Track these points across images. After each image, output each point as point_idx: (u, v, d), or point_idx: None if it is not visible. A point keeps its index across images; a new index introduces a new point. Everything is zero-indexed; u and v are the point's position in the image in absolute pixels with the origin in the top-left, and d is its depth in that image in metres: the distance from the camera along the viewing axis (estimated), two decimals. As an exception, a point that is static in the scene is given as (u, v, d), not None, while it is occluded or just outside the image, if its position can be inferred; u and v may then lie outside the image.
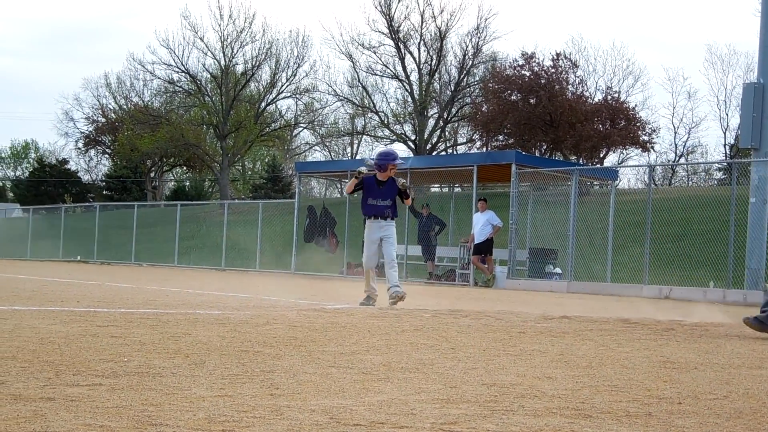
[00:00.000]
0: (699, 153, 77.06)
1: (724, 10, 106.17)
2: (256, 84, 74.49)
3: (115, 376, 5.28)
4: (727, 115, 72.05)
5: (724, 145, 72.99)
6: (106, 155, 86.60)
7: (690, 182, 75.40)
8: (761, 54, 25.10)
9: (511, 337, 9.07)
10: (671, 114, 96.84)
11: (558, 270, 29.42)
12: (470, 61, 68.90)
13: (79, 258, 47.47)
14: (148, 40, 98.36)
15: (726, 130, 72.18)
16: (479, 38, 68.24)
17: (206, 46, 71.22)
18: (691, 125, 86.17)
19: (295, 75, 72.32)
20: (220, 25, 72.22)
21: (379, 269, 15.43)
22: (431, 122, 71.54)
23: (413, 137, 70.23)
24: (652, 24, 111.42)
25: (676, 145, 75.03)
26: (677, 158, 74.21)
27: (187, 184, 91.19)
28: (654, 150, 66.21)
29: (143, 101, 76.46)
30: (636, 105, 63.81)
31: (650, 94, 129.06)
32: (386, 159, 14.78)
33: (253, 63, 71.58)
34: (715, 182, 69.06)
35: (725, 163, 60.18)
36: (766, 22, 25.01)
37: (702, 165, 76.50)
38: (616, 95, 60.69)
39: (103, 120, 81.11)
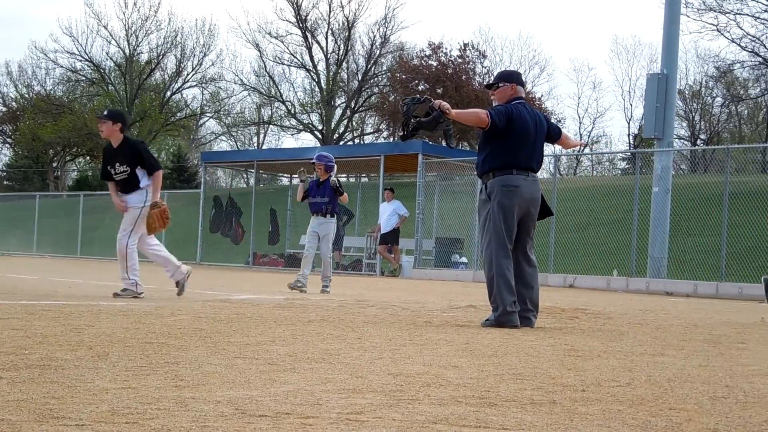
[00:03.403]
0: (603, 143, 78.06)
1: (629, 1, 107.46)
2: (162, 73, 73.99)
3: (15, 369, 5.20)
4: (631, 105, 73.11)
5: (628, 135, 74.02)
6: (7, 145, 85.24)
7: (594, 172, 76.30)
8: (665, 45, 25.48)
9: (417, 327, 9.10)
10: (576, 104, 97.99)
11: (464, 259, 29.60)
12: (378, 51, 69.04)
13: (-20, 249, 46.74)
14: (50, 28, 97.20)
15: (630, 120, 73.24)
16: (387, 28, 68.42)
17: (110, 34, 70.64)
18: (596, 115, 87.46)
19: (201, 64, 72.02)
20: (124, 13, 71.62)
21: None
22: (338, 112, 71.52)
23: (320, 127, 70.16)
24: (558, 14, 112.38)
25: (581, 134, 75.84)
26: (582, 148, 74.97)
27: (90, 174, 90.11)
28: (557, 140, 66.67)
29: (45, 90, 75.44)
30: (542, 95, 64.54)
31: (556, 84, 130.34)
32: (318, 160, 17.05)
33: (159, 52, 71.11)
34: (619, 172, 69.97)
35: (629, 153, 60.99)
36: (669, 13, 25.40)
37: (606, 155, 77.46)
38: (522, 86, 61.07)
39: (4, 109, 79.85)
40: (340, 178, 17.45)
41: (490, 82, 10.21)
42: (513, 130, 9.57)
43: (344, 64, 70.17)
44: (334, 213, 16.83)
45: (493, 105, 10.00)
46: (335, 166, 17.01)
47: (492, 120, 9.45)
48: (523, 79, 10.31)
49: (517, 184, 9.62)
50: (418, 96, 9.81)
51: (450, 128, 9.59)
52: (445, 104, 9.40)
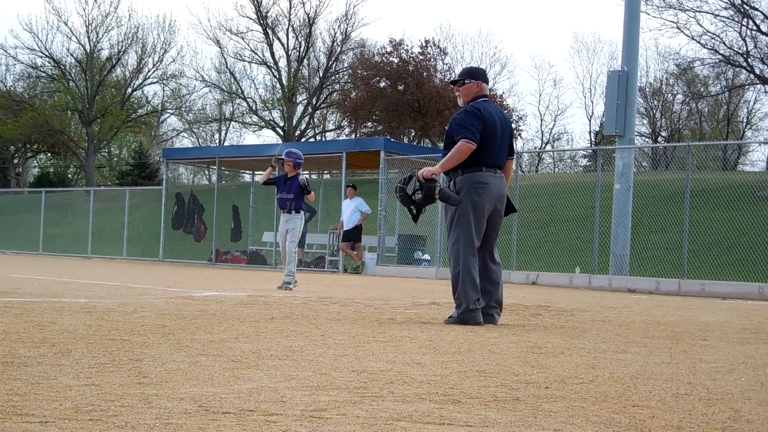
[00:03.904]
0: (565, 140, 78.48)
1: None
2: (123, 69, 73.68)
3: (-23, 367, 5.16)
4: (592, 102, 73.62)
5: (589, 132, 74.40)
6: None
7: (556, 169, 76.62)
8: (625, 42, 25.56)
9: (381, 324, 9.10)
10: (537, 101, 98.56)
11: (426, 256, 29.62)
12: (339, 48, 69.02)
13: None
14: (10, 23, 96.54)
15: (591, 117, 73.65)
16: (348, 25, 68.41)
17: (70, 30, 70.33)
18: (557, 112, 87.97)
19: (161, 60, 71.82)
20: (84, 9, 71.58)
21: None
22: (300, 109, 71.45)
23: (282, 124, 70.03)
24: (518, 12, 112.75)
25: (542, 132, 76.26)
26: (543, 145, 75.33)
27: (51, 170, 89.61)
28: (521, 137, 67.17)
29: (6, 86, 74.93)
30: (503, 92, 64.66)
31: (517, 81, 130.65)
32: (287, 156, 17.17)
33: (119, 48, 70.78)
34: (581, 169, 70.25)
35: (590, 150, 61.20)
36: (629, 11, 25.49)
37: (568, 152, 77.78)
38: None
39: (-36, 105, 79.24)
40: (307, 177, 17.60)
41: (455, 78, 10.15)
42: (482, 129, 9.56)
43: (305, 61, 70.12)
44: (300, 209, 16.81)
45: (458, 103, 9.98)
46: (303, 163, 17.09)
47: (476, 141, 9.45)
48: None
49: (487, 181, 9.60)
50: (399, 185, 9.83)
51: (439, 186, 9.65)
52: (427, 170, 9.47)
